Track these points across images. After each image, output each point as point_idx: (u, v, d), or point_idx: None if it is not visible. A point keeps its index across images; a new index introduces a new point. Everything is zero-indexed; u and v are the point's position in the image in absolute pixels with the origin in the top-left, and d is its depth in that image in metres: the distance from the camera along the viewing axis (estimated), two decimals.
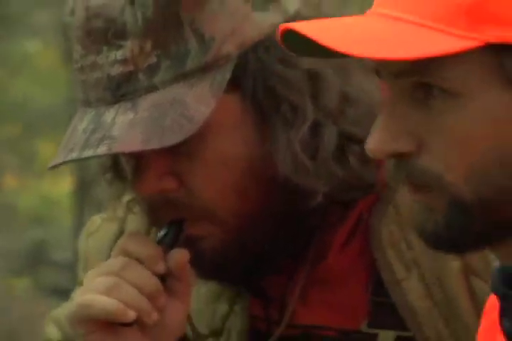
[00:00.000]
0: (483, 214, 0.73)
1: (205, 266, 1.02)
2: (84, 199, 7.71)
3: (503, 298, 0.77)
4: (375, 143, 0.72)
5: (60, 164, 1.05)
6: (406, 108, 0.72)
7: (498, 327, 0.77)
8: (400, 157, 0.72)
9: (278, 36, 0.71)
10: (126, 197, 1.11)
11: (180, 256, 1.00)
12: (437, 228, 0.73)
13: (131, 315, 0.97)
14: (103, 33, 1.02)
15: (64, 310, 1.08)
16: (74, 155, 1.00)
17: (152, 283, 0.99)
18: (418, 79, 0.71)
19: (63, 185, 9.18)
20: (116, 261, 1.00)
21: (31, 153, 8.07)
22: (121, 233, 1.13)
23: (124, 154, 1.03)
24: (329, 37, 0.71)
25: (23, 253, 8.02)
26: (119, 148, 0.98)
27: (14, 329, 6.09)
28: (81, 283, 1.05)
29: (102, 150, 0.98)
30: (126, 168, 1.04)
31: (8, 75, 7.96)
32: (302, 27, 0.70)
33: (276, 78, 1.04)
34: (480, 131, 0.71)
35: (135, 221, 1.13)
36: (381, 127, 0.72)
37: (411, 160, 0.72)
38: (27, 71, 8.17)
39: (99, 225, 1.16)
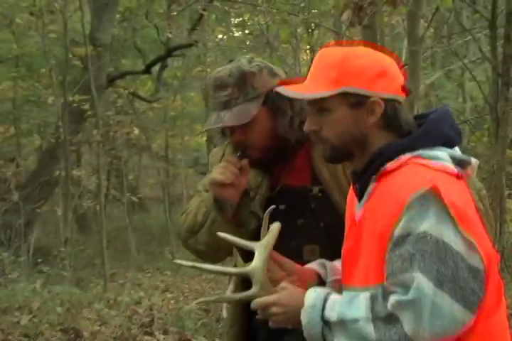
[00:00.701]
0: (344, 149, 1.31)
1: (253, 163, 1.65)
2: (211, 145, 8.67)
3: (353, 184, 1.33)
4: (305, 126, 1.33)
5: (207, 129, 1.64)
6: (314, 113, 1.31)
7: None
8: (315, 132, 1.30)
9: (278, 87, 1.38)
10: (226, 141, 1.77)
11: (244, 161, 1.61)
12: (327, 154, 1.34)
13: (231, 177, 1.56)
14: (220, 86, 1.61)
15: (204, 181, 1.69)
16: (209, 126, 1.60)
17: (235, 169, 1.59)
18: (318, 105, 1.29)
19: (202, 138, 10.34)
20: (223, 163, 1.63)
21: None
22: (223, 155, 1.76)
23: (226, 127, 1.65)
24: (287, 92, 1.32)
25: None
26: (224, 124, 1.62)
27: None
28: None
29: (219, 125, 1.61)
30: (227, 131, 1.69)
31: None
32: (280, 89, 1.34)
33: (279, 101, 1.61)
34: (340, 123, 1.28)
35: (229, 150, 1.74)
36: (307, 121, 1.33)
37: (318, 133, 1.31)
38: None
39: (216, 152, 1.81)
